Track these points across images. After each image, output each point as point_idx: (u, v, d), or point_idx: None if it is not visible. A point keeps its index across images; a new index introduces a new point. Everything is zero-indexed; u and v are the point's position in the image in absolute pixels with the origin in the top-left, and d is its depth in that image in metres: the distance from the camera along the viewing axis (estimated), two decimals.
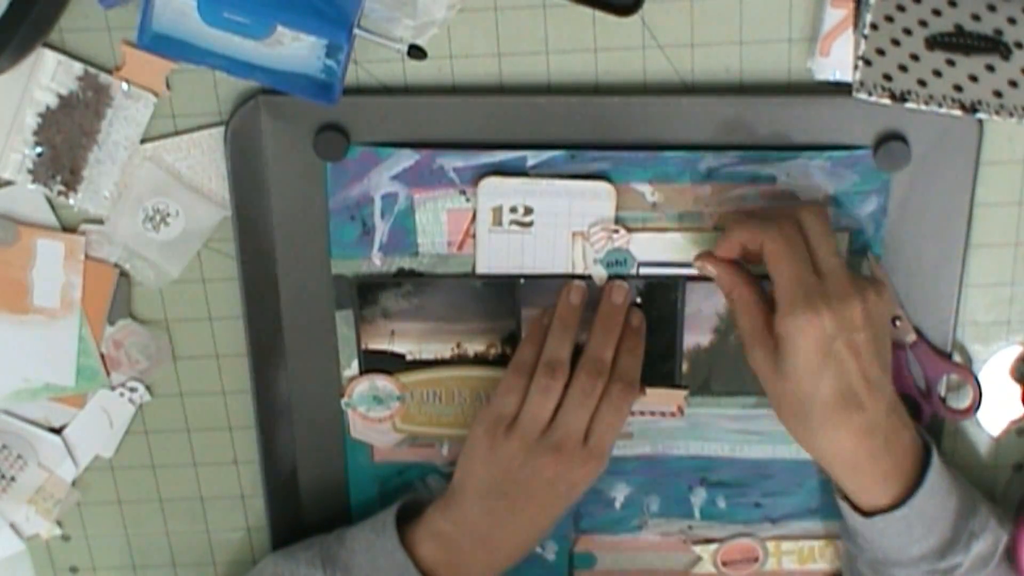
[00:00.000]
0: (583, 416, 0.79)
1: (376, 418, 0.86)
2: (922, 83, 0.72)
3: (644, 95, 0.77)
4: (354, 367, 0.84)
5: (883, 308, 0.75)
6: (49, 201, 0.81)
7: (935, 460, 0.76)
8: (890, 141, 0.77)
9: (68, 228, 0.81)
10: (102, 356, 0.84)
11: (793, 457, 0.86)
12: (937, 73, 0.72)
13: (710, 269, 0.78)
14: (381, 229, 0.80)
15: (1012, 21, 0.72)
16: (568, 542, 0.89)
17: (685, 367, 0.84)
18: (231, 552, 0.91)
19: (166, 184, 0.80)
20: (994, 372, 0.84)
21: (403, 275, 0.82)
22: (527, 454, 0.78)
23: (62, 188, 0.80)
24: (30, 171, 0.79)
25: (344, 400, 0.85)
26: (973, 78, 0.72)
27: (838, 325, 0.72)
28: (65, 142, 0.79)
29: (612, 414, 0.80)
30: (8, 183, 0.80)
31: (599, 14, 0.75)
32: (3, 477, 0.87)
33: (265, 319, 0.82)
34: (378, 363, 0.84)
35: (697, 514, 0.88)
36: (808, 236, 0.74)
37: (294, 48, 0.73)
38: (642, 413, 0.85)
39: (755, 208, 0.79)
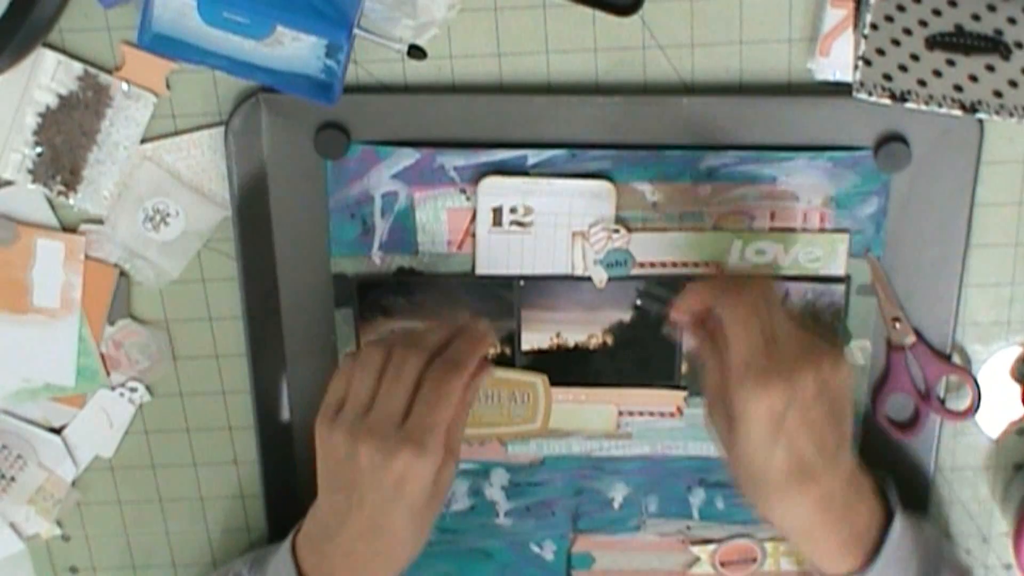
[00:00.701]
0: (398, 393, 0.71)
1: None
2: (922, 83, 0.72)
3: (644, 95, 0.78)
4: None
5: (841, 376, 0.72)
6: (49, 201, 0.81)
7: (895, 528, 0.75)
8: (890, 142, 0.77)
9: (68, 228, 0.82)
10: (102, 356, 0.84)
11: None
12: (937, 73, 0.72)
13: (688, 334, 0.77)
14: (381, 228, 0.80)
15: (1012, 21, 0.72)
16: (566, 542, 0.89)
17: (684, 367, 0.84)
18: (231, 552, 0.91)
19: (166, 184, 0.80)
20: (994, 372, 0.84)
21: (403, 274, 0.82)
22: (348, 440, 0.71)
23: (62, 188, 0.80)
24: (30, 171, 0.79)
25: None
26: (973, 78, 0.72)
27: (790, 399, 0.70)
28: (65, 142, 0.79)
29: (431, 392, 0.71)
30: (8, 183, 0.80)
31: (599, 14, 0.75)
32: (3, 477, 0.87)
33: (265, 319, 0.82)
34: None
35: (695, 514, 0.88)
36: (761, 306, 0.72)
37: (294, 48, 0.73)
38: (641, 413, 0.85)
39: (714, 272, 0.78)
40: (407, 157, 0.78)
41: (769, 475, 0.71)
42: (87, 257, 0.82)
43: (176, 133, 0.80)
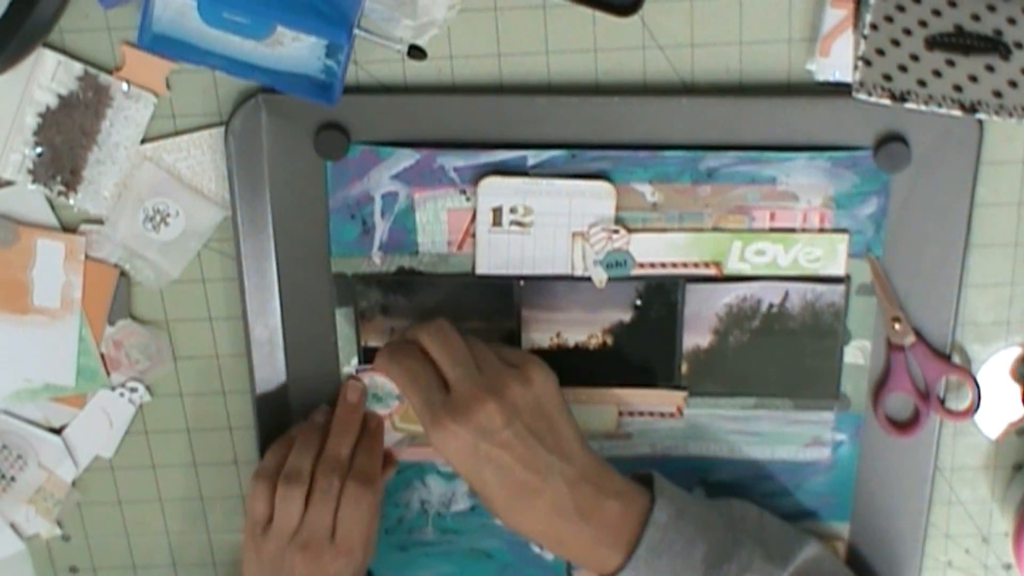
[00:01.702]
0: (325, 514, 0.80)
1: None
2: (922, 83, 0.72)
3: (644, 95, 0.78)
4: (353, 365, 0.84)
5: (536, 391, 0.77)
6: (49, 201, 0.81)
7: (653, 519, 0.75)
8: (890, 142, 0.77)
9: (68, 228, 0.82)
10: (102, 356, 0.84)
11: (792, 458, 0.86)
12: (937, 73, 0.72)
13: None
14: (381, 228, 0.80)
15: (1012, 21, 0.72)
16: None
17: (684, 368, 0.84)
18: (231, 552, 0.91)
19: (166, 184, 0.80)
20: (994, 373, 0.84)
21: (403, 274, 0.82)
22: (282, 555, 0.80)
23: (62, 188, 0.80)
24: (30, 171, 0.79)
25: None
26: (973, 78, 0.72)
27: (475, 432, 0.74)
28: (65, 142, 0.79)
29: (352, 510, 0.80)
30: (8, 183, 0.80)
31: (599, 14, 0.75)
32: (3, 477, 0.87)
33: (265, 319, 0.82)
34: None
35: None
36: (431, 354, 0.77)
37: (294, 48, 0.73)
38: (641, 414, 0.85)
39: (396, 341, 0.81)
40: (407, 158, 0.78)
41: (492, 500, 0.76)
42: (87, 257, 0.82)
43: (176, 133, 0.80)
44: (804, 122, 0.77)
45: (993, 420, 0.86)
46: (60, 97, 0.78)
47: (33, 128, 0.78)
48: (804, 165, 0.78)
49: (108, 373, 0.85)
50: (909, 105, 0.72)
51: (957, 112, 0.72)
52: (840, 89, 0.75)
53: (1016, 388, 0.85)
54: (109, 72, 0.78)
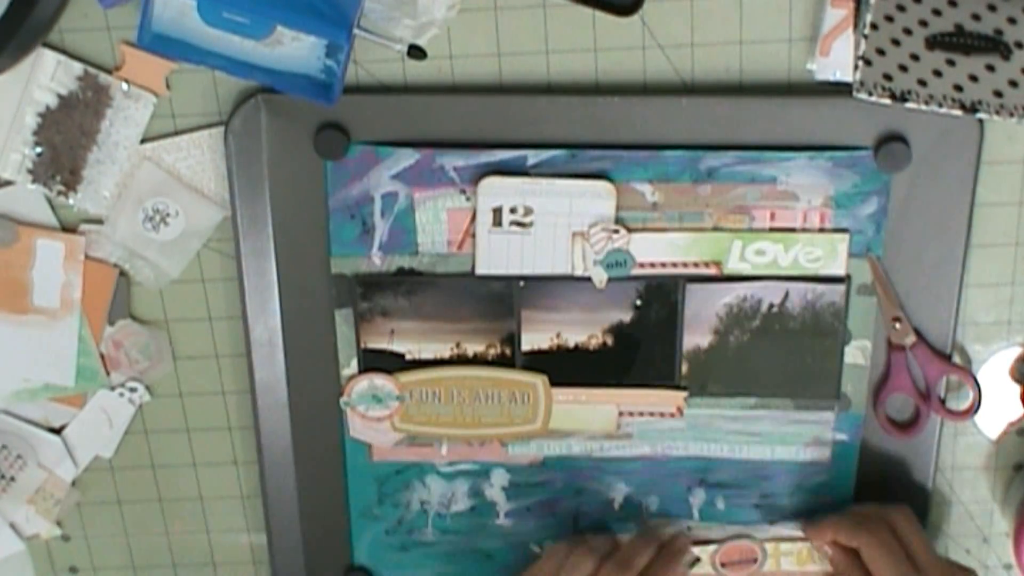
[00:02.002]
0: None
1: (375, 417, 0.86)
2: (922, 83, 0.72)
3: (644, 95, 0.78)
4: (353, 366, 0.84)
5: None
6: (49, 201, 0.81)
7: None
8: (890, 142, 0.77)
9: (68, 228, 0.82)
10: (102, 356, 0.84)
11: (792, 458, 0.86)
12: (937, 73, 0.72)
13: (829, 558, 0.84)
14: (381, 228, 0.80)
15: (1012, 21, 0.72)
16: None
17: (685, 368, 0.84)
18: (231, 553, 0.91)
19: (166, 184, 0.80)
20: (994, 373, 0.84)
21: (403, 274, 0.82)
22: None
23: (62, 188, 0.80)
24: (30, 171, 0.79)
25: (343, 399, 0.85)
26: (973, 78, 0.72)
27: None
28: (65, 142, 0.79)
29: None
30: (8, 183, 0.80)
31: (599, 14, 0.75)
32: (3, 477, 0.87)
33: (265, 319, 0.82)
34: (377, 362, 0.84)
35: (696, 515, 0.88)
36: (902, 540, 0.80)
37: (294, 48, 0.73)
38: (641, 414, 0.85)
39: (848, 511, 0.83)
40: (407, 157, 0.78)
41: None
42: (87, 257, 0.82)
43: (176, 133, 0.80)
44: (804, 122, 0.77)
45: (993, 420, 0.86)
46: (60, 97, 0.78)
47: (33, 128, 0.78)
48: (804, 165, 0.78)
49: (108, 373, 0.85)
50: (909, 105, 0.72)
51: (957, 112, 0.72)
52: (840, 89, 0.75)
53: (1016, 388, 0.85)
54: (109, 72, 0.78)
